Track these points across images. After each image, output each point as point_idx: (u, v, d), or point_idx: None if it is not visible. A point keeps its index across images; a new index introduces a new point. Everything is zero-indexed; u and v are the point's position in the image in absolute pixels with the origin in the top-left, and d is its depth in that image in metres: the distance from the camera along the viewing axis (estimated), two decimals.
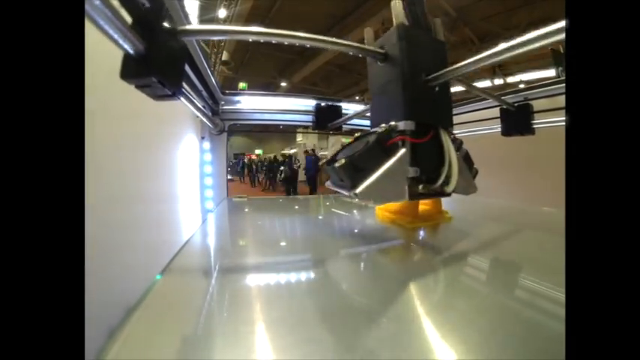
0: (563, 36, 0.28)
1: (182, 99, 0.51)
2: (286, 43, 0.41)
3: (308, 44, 0.41)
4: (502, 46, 0.33)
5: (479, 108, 0.93)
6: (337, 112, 0.98)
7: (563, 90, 0.74)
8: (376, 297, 0.32)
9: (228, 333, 0.25)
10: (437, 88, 0.42)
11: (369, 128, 0.46)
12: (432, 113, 0.42)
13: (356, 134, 0.45)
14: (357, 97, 7.93)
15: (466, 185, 0.44)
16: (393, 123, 0.40)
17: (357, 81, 8.42)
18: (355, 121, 1.04)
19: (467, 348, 0.23)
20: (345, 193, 0.38)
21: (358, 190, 0.35)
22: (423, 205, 0.65)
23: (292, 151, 11.49)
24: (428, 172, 0.40)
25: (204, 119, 0.71)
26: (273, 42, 0.41)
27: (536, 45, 0.30)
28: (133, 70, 0.29)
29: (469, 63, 0.37)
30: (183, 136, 0.78)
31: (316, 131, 0.99)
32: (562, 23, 0.27)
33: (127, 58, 0.29)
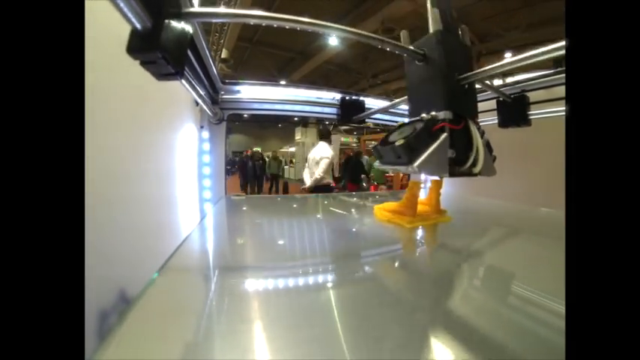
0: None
1: (184, 82, 0.52)
2: (299, 28, 0.44)
3: (335, 34, 0.46)
4: (525, 54, 0.41)
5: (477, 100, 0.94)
6: (362, 106, 1.02)
7: (557, 81, 0.76)
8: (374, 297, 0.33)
9: (226, 333, 0.25)
10: (466, 86, 0.50)
11: (390, 123, 0.50)
12: (463, 106, 0.49)
13: (399, 123, 0.52)
14: None
15: (488, 168, 0.52)
16: (434, 113, 0.47)
17: (357, 80, 8.44)
18: (377, 115, 1.06)
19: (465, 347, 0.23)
20: (402, 168, 0.45)
21: (416, 164, 0.42)
22: (422, 204, 0.66)
23: (291, 150, 11.48)
24: (459, 155, 0.47)
25: (205, 107, 0.72)
26: (287, 27, 0.44)
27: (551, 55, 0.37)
28: (139, 45, 0.30)
29: (495, 67, 0.47)
30: (183, 123, 0.79)
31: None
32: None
33: (133, 33, 0.30)
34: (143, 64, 0.33)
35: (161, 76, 0.36)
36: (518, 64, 0.42)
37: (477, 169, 0.49)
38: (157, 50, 0.30)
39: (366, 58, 7.33)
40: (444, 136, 0.45)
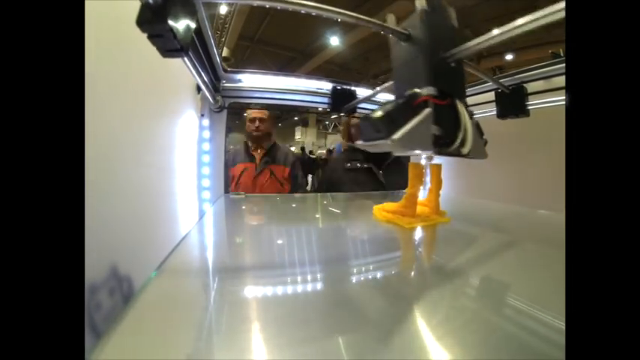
0: (560, 15, 0.32)
1: (189, 64, 0.54)
2: (303, 11, 0.45)
3: (338, 18, 0.48)
4: (507, 27, 0.41)
5: (475, 92, 0.95)
6: (352, 95, 1.02)
7: (555, 72, 0.77)
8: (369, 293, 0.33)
9: (226, 332, 0.24)
10: (452, 64, 0.50)
11: None
12: (449, 84, 0.49)
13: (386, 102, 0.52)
14: None
15: (478, 150, 0.52)
16: (417, 90, 0.46)
17: (357, 80, 8.46)
18: (369, 105, 1.07)
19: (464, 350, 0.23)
20: (381, 142, 0.43)
21: (395, 136, 0.41)
22: (422, 205, 0.66)
23: (292, 149, 11.54)
24: (446, 134, 0.46)
25: (207, 93, 0.74)
26: (303, 12, 0.45)
27: (532, 26, 0.38)
28: (149, 17, 0.32)
29: (479, 42, 0.46)
30: (184, 110, 0.80)
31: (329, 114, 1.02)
32: (561, 4, 0.30)
33: (144, 6, 0.32)
34: (150, 37, 0.35)
35: (166, 52, 0.38)
36: (508, 35, 0.41)
37: (465, 150, 0.48)
38: (165, 23, 0.32)
39: (367, 58, 7.35)
40: (427, 110, 0.44)
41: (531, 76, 0.80)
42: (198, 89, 0.88)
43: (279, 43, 7.05)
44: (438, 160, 0.64)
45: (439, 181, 0.66)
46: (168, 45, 0.36)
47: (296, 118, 11.68)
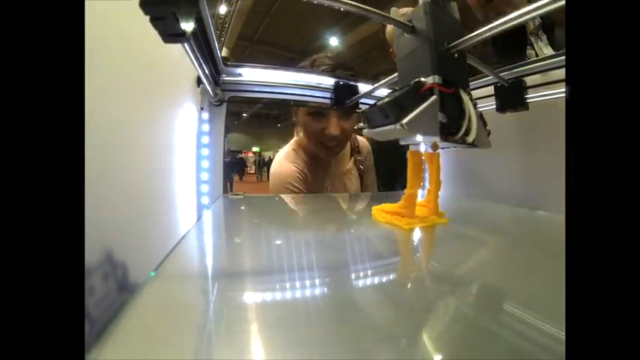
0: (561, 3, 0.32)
1: (190, 54, 0.54)
2: (315, 2, 0.44)
3: (341, 7, 0.48)
4: (510, 16, 0.43)
5: (473, 87, 0.95)
6: (354, 90, 1.03)
7: (552, 66, 0.78)
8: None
9: (226, 333, 0.24)
10: (456, 55, 0.51)
11: None
12: (453, 74, 0.50)
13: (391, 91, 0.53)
14: None
15: (482, 140, 0.53)
16: (422, 79, 0.47)
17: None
18: (372, 101, 1.08)
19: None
20: (390, 127, 0.44)
21: (404, 121, 0.42)
22: (421, 206, 0.67)
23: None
24: (451, 123, 0.47)
25: (207, 85, 0.74)
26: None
27: (536, 13, 0.39)
28: None
29: (484, 31, 0.47)
30: (184, 103, 0.81)
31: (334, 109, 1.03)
32: None
33: None
34: (153, 20, 0.35)
35: (168, 36, 0.38)
36: (512, 23, 0.42)
37: (470, 138, 0.49)
38: (168, 5, 0.32)
39: (367, 59, 7.38)
40: (433, 97, 0.45)
41: (530, 69, 0.80)
42: (198, 83, 0.88)
43: (279, 43, 7.07)
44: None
45: (438, 182, 0.66)
46: (170, 29, 0.36)
47: (295, 119, 11.69)
